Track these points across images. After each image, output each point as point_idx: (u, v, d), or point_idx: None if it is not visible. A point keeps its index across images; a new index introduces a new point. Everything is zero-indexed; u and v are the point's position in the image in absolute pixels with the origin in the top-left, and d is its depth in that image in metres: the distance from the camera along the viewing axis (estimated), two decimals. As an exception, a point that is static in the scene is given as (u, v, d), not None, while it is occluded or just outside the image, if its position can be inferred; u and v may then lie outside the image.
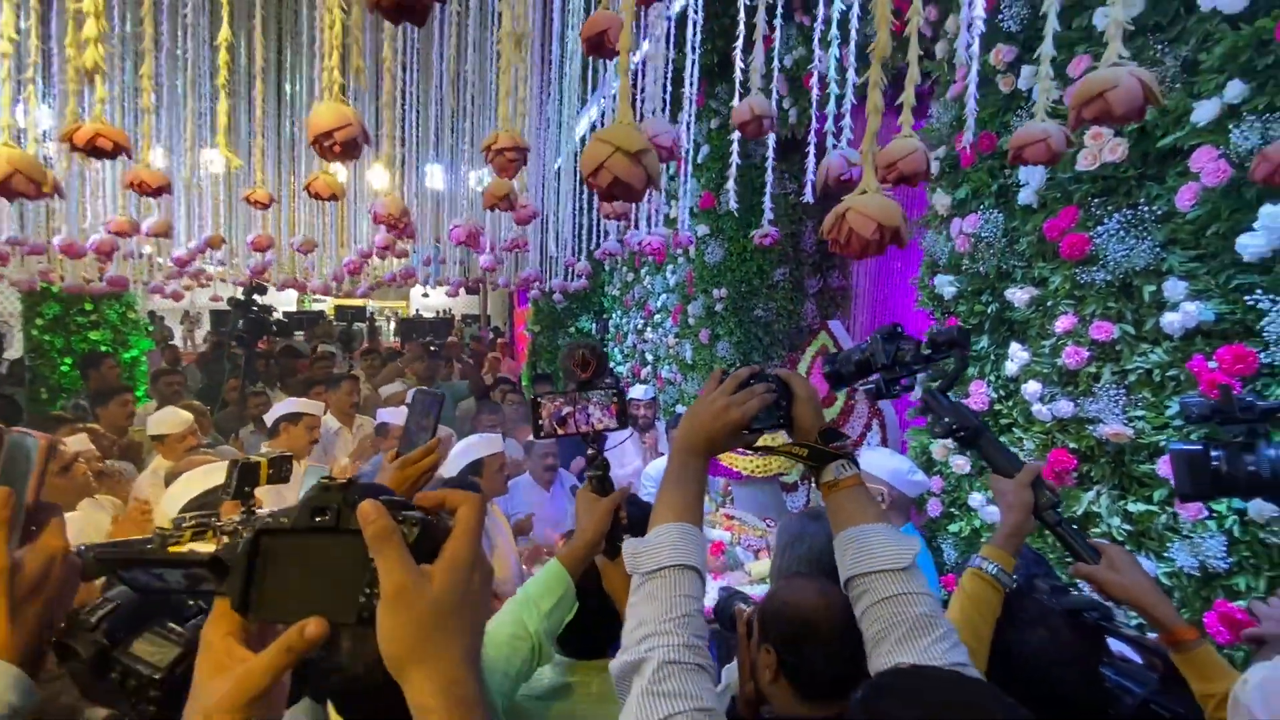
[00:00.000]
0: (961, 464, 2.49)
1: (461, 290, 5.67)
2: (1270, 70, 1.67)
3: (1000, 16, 2.33)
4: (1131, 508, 1.96)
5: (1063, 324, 2.13)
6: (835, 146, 1.78)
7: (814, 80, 2.20)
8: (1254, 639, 1.21)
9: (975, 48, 1.60)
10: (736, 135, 1.68)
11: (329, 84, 1.17)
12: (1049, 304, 2.21)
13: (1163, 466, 1.85)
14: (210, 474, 2.04)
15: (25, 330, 6.37)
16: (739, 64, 1.83)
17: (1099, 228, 2.02)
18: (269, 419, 3.60)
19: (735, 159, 1.89)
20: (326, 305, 13.41)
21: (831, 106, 1.84)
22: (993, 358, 2.42)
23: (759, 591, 2.97)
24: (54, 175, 1.36)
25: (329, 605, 0.50)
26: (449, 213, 4.65)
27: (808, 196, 2.03)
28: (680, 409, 5.10)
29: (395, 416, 3.92)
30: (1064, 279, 2.14)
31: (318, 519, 0.51)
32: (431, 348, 8.03)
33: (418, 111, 4.06)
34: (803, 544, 1.59)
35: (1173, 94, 1.87)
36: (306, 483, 3.26)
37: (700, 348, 4.88)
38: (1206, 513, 1.79)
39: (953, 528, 2.56)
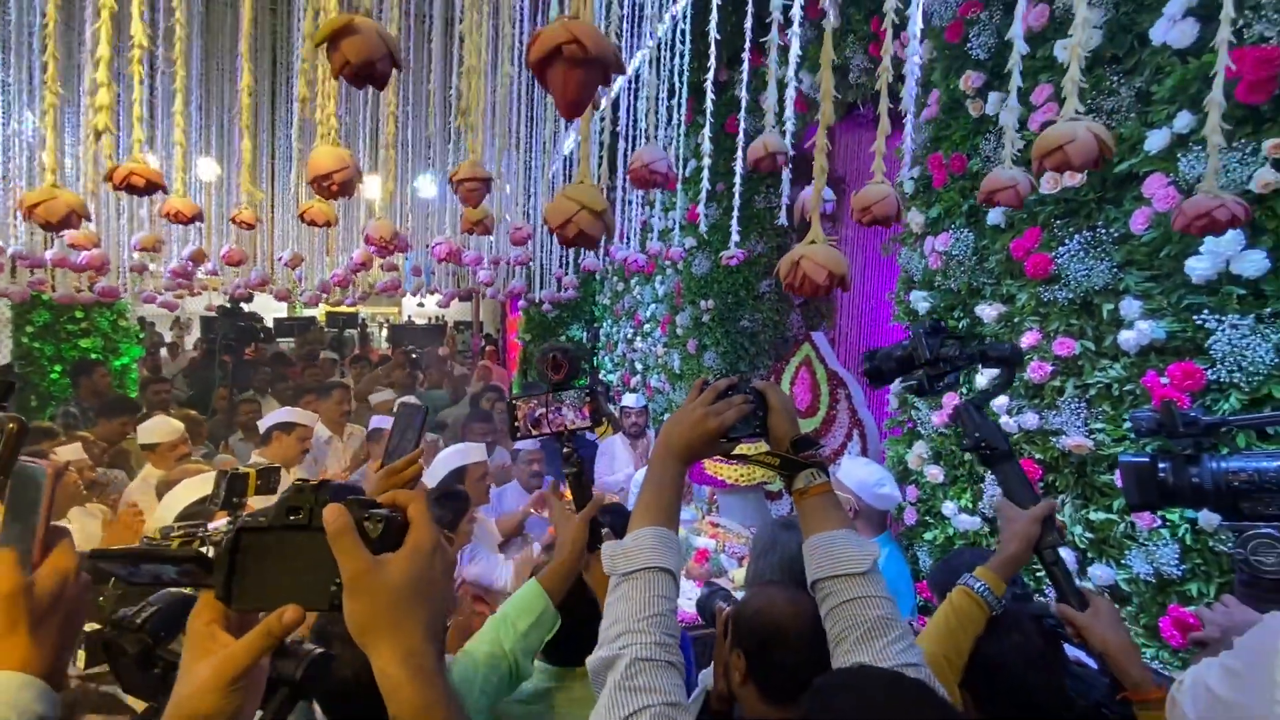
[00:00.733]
0: (936, 474, 2.57)
1: (454, 298, 5.72)
2: (1216, 103, 1.77)
3: (969, 45, 2.43)
4: (1093, 516, 2.05)
5: (1028, 339, 2.22)
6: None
7: (789, 99, 2.29)
8: (1197, 642, 1.29)
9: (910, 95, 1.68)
10: (707, 163, 1.76)
11: (325, 130, 1.24)
12: (1016, 320, 2.30)
13: (1121, 477, 1.94)
14: (203, 483, 2.08)
15: (15, 337, 6.36)
16: (709, 94, 1.92)
17: (1061, 248, 2.12)
18: (262, 426, 3.63)
19: (705, 185, 1.97)
20: (318, 312, 13.39)
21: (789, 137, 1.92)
22: (965, 371, 2.51)
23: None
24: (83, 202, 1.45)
25: (304, 594, 0.56)
26: (439, 222, 4.72)
27: (781, 219, 2.11)
28: (669, 417, 5.17)
29: (389, 422, 3.98)
30: (1029, 297, 2.24)
31: (292, 517, 0.57)
32: (413, 355, 8.05)
33: (409, 124, 4.13)
34: (775, 552, 1.66)
35: (1128, 123, 1.97)
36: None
37: (688, 357, 4.96)
38: (1160, 522, 1.87)
39: (928, 535, 2.63)
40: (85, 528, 2.64)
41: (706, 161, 1.67)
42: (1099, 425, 2.03)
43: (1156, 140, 1.86)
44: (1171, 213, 1.72)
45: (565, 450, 1.28)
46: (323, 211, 1.54)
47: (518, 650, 1.24)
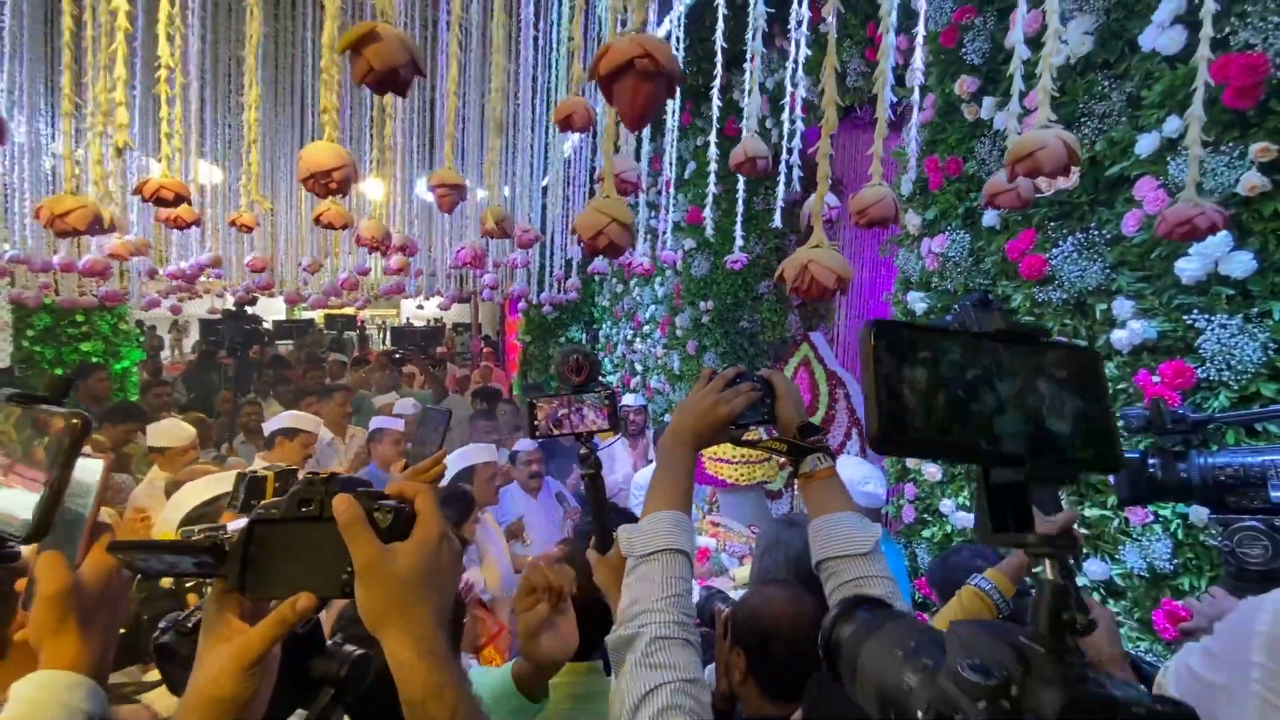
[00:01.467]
0: (934, 472, 2.61)
1: (455, 300, 5.74)
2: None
3: (963, 50, 2.48)
4: (1088, 512, 2.09)
5: (1023, 339, 2.26)
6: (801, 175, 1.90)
7: (785, 109, 2.33)
8: (1186, 632, 1.33)
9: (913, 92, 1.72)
10: (713, 169, 1.80)
11: (330, 131, 1.26)
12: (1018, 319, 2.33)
13: (1112, 478, 1.98)
14: (213, 483, 2.11)
15: (15, 341, 6.37)
16: (715, 100, 1.95)
17: (1055, 250, 2.16)
18: (266, 429, 3.66)
19: (713, 188, 2.01)
20: (316, 314, 13.41)
21: (799, 141, 1.96)
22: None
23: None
24: (115, 214, 1.48)
25: (316, 582, 0.59)
26: (439, 224, 4.75)
27: (776, 221, 2.15)
28: (669, 418, 5.21)
29: (390, 423, 4.01)
30: (1024, 297, 2.28)
31: (304, 509, 0.60)
32: (395, 356, 8.06)
33: (415, 127, 4.16)
34: (779, 550, 1.69)
35: (1119, 126, 2.01)
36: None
37: (688, 358, 5.00)
38: (1153, 517, 1.91)
39: (925, 533, 2.68)
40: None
41: (713, 165, 1.70)
42: (1093, 423, 2.07)
43: (1147, 144, 1.91)
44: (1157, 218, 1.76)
45: (583, 452, 1.30)
46: (340, 214, 1.57)
47: None
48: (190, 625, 0.74)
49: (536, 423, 1.30)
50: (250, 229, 2.03)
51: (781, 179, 1.88)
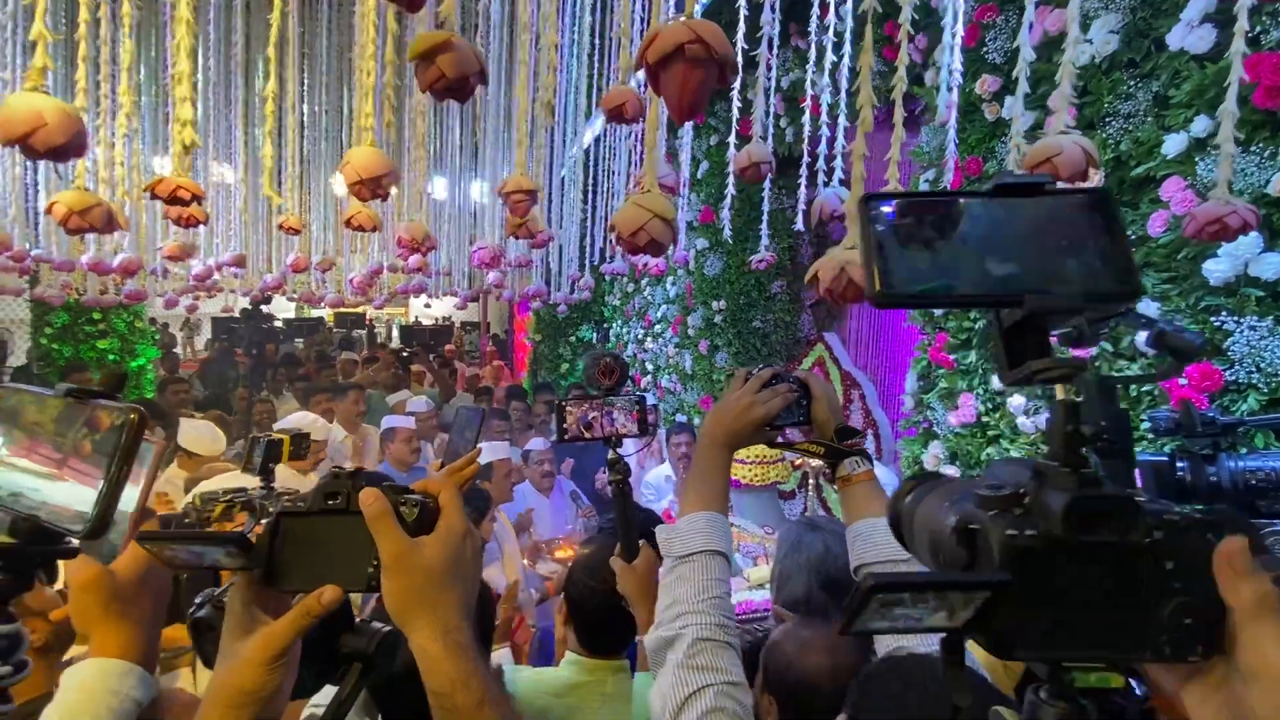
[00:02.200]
0: (953, 473, 2.60)
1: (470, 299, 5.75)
2: (1233, 107, 1.79)
3: (984, 48, 2.46)
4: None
5: (1045, 341, 2.24)
6: (825, 174, 1.89)
7: (808, 104, 2.32)
8: None
9: (954, 96, 1.72)
10: (732, 168, 1.80)
11: (363, 126, 1.27)
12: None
13: (1139, 477, 1.96)
14: (229, 482, 2.12)
15: (34, 339, 6.45)
16: (735, 96, 1.94)
17: (1078, 250, 2.14)
18: (276, 428, 3.68)
19: (731, 189, 2.00)
20: (326, 313, 13.49)
21: (821, 145, 1.96)
22: (980, 371, 2.54)
23: (756, 596, 3.06)
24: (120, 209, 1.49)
25: (342, 575, 0.59)
26: (452, 224, 4.77)
27: (799, 225, 2.14)
28: (680, 417, 5.21)
29: (401, 421, 4.03)
30: (1046, 298, 2.26)
31: (330, 501, 0.61)
32: (403, 354, 8.06)
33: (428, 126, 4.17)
34: (801, 552, 1.68)
35: (1145, 126, 1.99)
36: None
37: (700, 358, 4.99)
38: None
39: (943, 534, 2.66)
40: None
41: (731, 165, 1.69)
42: (1116, 425, 2.05)
43: (1174, 144, 1.89)
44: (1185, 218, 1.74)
45: (611, 457, 1.30)
46: (370, 217, 1.58)
47: None
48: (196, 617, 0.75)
49: (566, 425, 1.30)
50: (297, 231, 2.03)
51: (803, 178, 1.86)
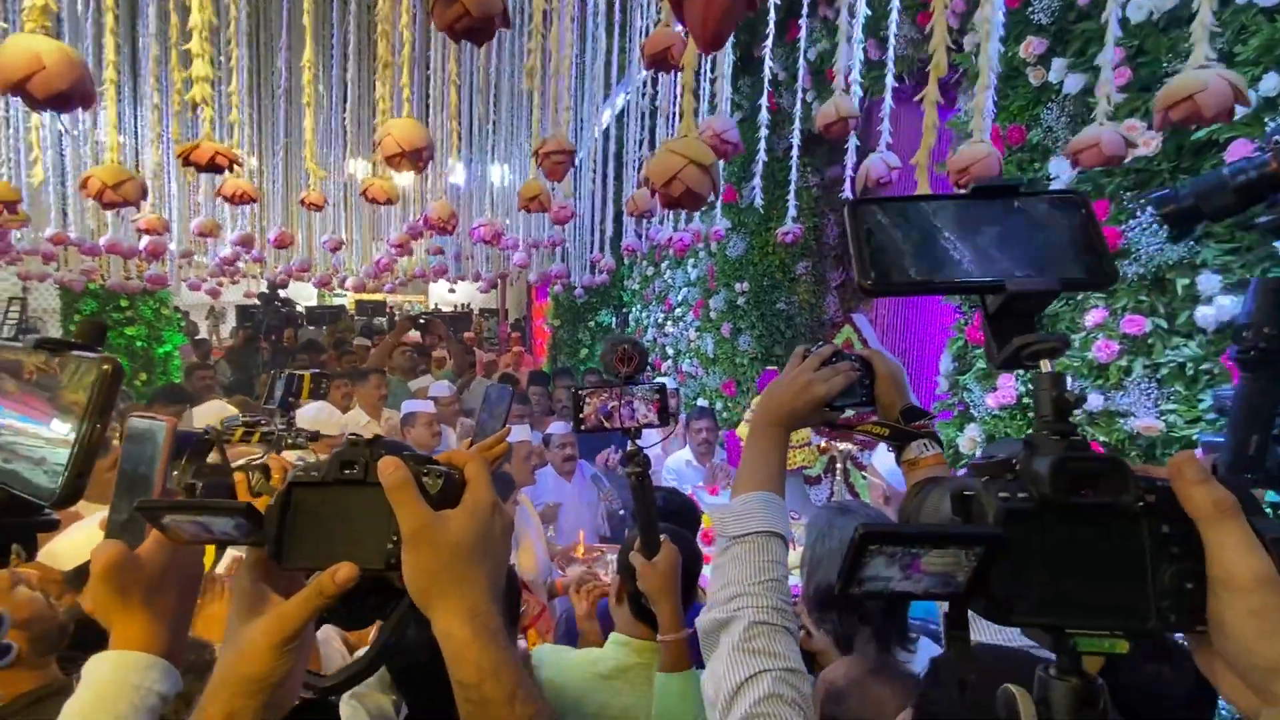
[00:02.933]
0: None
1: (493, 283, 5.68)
2: (1309, 62, 1.66)
3: (1030, 8, 2.32)
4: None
5: (1093, 317, 2.13)
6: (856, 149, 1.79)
7: (840, 77, 2.22)
8: None
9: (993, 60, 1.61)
10: (764, 132, 1.70)
11: (386, 95, 1.21)
12: (1079, 297, 2.21)
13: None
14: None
15: (64, 326, 6.56)
16: (767, 60, 1.85)
17: (1131, 221, 2.02)
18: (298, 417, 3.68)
19: (762, 155, 1.91)
20: (347, 300, 13.61)
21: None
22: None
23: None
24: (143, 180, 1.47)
25: (359, 551, 0.54)
26: (470, 208, 4.72)
27: (846, 193, 2.04)
28: (702, 402, 5.14)
29: (421, 406, 4.02)
30: (1095, 272, 2.15)
31: (347, 471, 0.55)
32: (420, 320, 7.99)
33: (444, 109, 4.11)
34: (833, 537, 1.62)
35: (1208, 86, 1.86)
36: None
37: (722, 341, 4.91)
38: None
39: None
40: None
41: (762, 131, 1.61)
42: (1170, 406, 1.95)
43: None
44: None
45: (630, 449, 1.25)
46: (384, 189, 1.52)
47: None
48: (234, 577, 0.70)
49: (584, 416, 1.25)
50: (320, 207, 2.00)
51: (852, 148, 1.75)
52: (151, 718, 0.62)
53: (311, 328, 10.71)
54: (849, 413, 0.96)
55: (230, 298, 8.74)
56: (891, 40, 1.57)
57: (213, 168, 1.29)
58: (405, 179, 4.40)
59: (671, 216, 3.23)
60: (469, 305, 14.72)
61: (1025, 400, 2.40)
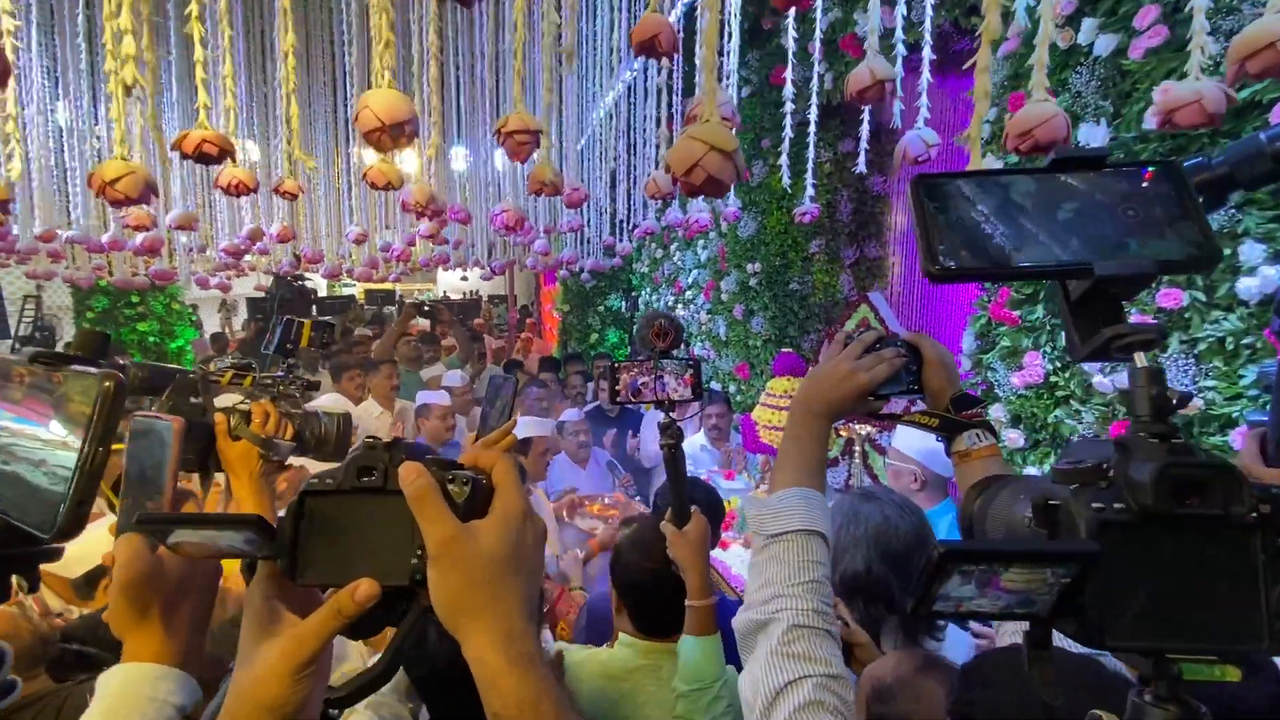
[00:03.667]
0: (1015, 438, 2.44)
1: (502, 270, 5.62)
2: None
3: (1058, -34, 2.20)
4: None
5: (1126, 292, 2.05)
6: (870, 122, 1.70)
7: (870, 36, 2.12)
8: None
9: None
10: (789, 106, 1.62)
11: (380, 69, 1.15)
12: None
13: (1236, 438, 1.78)
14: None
15: (76, 323, 6.61)
16: (791, 31, 1.76)
17: (1167, 189, 1.93)
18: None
19: (788, 131, 1.82)
20: (356, 290, 13.64)
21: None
22: (1049, 328, 2.35)
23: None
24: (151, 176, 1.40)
25: (380, 567, 0.49)
26: (473, 194, 4.65)
27: (860, 167, 1.96)
28: (714, 386, 5.09)
29: (436, 397, 3.99)
30: (1127, 244, 2.06)
31: (364, 479, 0.50)
32: (425, 308, 7.96)
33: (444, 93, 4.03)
34: (859, 524, 1.57)
35: (1253, 43, 1.75)
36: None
37: (734, 323, 4.84)
38: (1283, 485, 1.72)
39: (1005, 502, 2.51)
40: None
41: (789, 106, 1.52)
42: (1209, 383, 1.87)
43: (1290, 60, 1.65)
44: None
45: (663, 421, 1.23)
46: (384, 173, 1.46)
47: None
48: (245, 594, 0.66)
49: (618, 389, 1.23)
50: (294, 196, 1.94)
51: (866, 119, 1.67)
52: None
53: (324, 318, 10.72)
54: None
55: (241, 290, 8.76)
56: (901, 8, 1.47)
57: (203, 157, 1.23)
58: (409, 165, 4.34)
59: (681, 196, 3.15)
60: (477, 292, 14.71)
61: (1053, 379, 2.32)
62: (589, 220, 4.56)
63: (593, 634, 1.97)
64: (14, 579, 0.54)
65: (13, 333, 7.02)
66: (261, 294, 7.46)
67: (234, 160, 1.34)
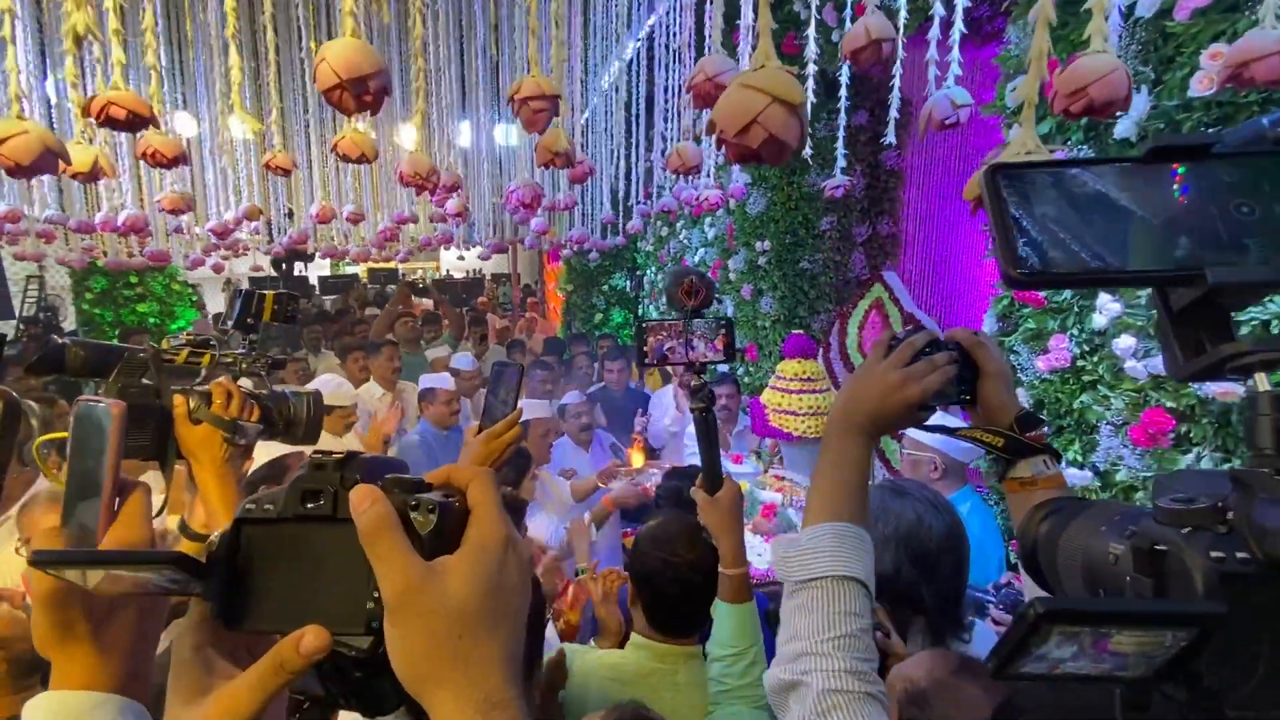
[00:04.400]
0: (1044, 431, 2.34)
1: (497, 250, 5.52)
2: None
3: (1098, -81, 2.04)
4: (1236, 471, 1.81)
5: (1163, 272, 1.93)
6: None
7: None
8: None
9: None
10: (811, 72, 1.49)
11: (348, 11, 1.01)
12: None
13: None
14: (272, 446, 2.02)
15: (76, 304, 6.55)
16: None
17: (1212, 161, 1.80)
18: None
19: (811, 98, 1.68)
20: (360, 269, 13.56)
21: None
22: (1076, 310, 2.24)
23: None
24: (104, 154, 1.28)
25: (331, 612, 0.41)
26: (476, 170, 4.52)
27: (889, 138, 1.84)
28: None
29: (440, 381, 3.91)
30: (1166, 221, 1.94)
31: (310, 505, 0.42)
32: (420, 286, 7.88)
33: (441, 63, 3.88)
34: (888, 521, 1.49)
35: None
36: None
37: (743, 304, 4.73)
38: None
39: (1025, 490, 2.43)
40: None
41: (811, 69, 1.40)
42: None
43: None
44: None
45: (695, 384, 1.19)
46: (356, 143, 1.33)
47: None
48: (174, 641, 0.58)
49: (645, 351, 1.18)
50: (287, 171, 1.83)
51: (897, 84, 1.54)
52: None
53: (327, 297, 10.69)
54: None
55: (239, 270, 8.68)
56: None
57: (110, 121, 1.08)
58: (409, 139, 4.20)
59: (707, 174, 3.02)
60: (480, 271, 14.58)
61: (1080, 363, 2.22)
62: (592, 196, 4.43)
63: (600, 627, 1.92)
64: None
65: (17, 313, 6.97)
66: (260, 273, 7.38)
67: (156, 125, 1.20)
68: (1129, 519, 0.42)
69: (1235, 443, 1.83)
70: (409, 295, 6.08)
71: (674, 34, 2.58)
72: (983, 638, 1.53)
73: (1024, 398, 2.39)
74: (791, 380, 3.23)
